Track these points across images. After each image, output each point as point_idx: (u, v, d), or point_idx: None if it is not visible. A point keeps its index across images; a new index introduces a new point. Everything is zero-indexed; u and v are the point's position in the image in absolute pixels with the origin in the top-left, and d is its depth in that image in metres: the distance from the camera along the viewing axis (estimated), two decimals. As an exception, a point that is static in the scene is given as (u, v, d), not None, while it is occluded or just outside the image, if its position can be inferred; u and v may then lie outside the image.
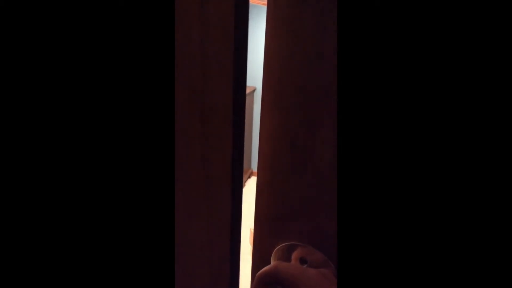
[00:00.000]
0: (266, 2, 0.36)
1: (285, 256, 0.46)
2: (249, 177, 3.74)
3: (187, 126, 0.40)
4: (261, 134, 0.41)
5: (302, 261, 0.45)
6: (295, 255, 0.45)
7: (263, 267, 0.38)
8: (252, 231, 0.48)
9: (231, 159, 0.41)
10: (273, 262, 0.43)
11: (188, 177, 0.45)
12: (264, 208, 0.46)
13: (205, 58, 0.35)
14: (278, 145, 0.40)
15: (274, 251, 0.47)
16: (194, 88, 0.38)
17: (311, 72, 0.35)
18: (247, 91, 3.16)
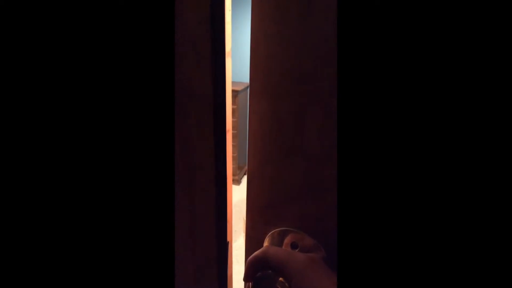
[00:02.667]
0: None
1: (277, 242, 0.47)
2: (245, 173, 3.74)
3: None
4: (250, 122, 0.42)
5: (293, 246, 0.46)
6: (286, 240, 0.46)
7: (255, 252, 0.39)
8: (245, 219, 0.49)
9: (213, 146, 0.42)
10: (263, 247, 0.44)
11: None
12: (255, 196, 0.47)
13: (183, 50, 0.36)
14: (267, 132, 0.41)
15: (267, 237, 0.47)
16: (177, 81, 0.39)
17: (297, 58, 0.36)
18: (242, 87, 3.15)
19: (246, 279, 0.37)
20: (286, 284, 0.39)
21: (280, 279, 0.40)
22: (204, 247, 0.57)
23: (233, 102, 3.08)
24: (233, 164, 3.38)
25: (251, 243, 0.50)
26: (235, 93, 3.06)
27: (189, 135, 0.45)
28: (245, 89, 3.30)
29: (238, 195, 3.33)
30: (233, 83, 3.24)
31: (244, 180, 3.67)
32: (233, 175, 3.45)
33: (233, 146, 3.30)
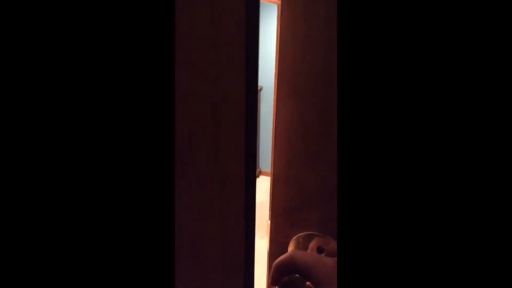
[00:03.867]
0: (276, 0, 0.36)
1: (302, 246, 0.46)
2: (257, 176, 3.75)
3: (198, 125, 0.41)
4: (276, 125, 0.42)
5: (319, 250, 0.46)
6: (312, 244, 0.46)
7: (281, 256, 0.39)
8: (269, 223, 0.48)
9: (244, 157, 0.42)
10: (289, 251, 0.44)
11: (200, 177, 0.45)
12: (280, 199, 0.47)
13: (217, 55, 0.36)
14: (293, 135, 0.41)
15: (291, 241, 0.47)
16: (206, 85, 0.39)
17: (325, 61, 0.35)
18: (254, 90, 3.16)
19: (273, 283, 0.37)
20: None
21: (308, 283, 0.40)
22: (233, 249, 0.57)
23: (246, 105, 3.09)
24: (245, 167, 3.39)
25: (276, 247, 0.50)
26: (247, 96, 3.07)
27: (220, 140, 0.45)
28: (258, 92, 3.32)
29: (251, 198, 3.34)
30: (246, 86, 3.26)
31: (258, 183, 3.67)
32: (246, 178, 3.46)
33: (245, 149, 3.30)
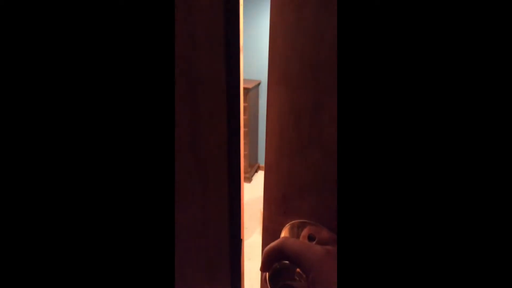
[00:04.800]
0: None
1: (294, 234, 0.47)
2: (256, 171, 3.75)
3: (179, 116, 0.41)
4: (268, 112, 0.42)
5: (310, 238, 0.46)
6: (303, 232, 0.46)
7: (273, 244, 0.39)
8: (262, 211, 0.49)
9: (226, 144, 0.41)
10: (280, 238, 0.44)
11: (180, 164, 0.46)
12: (273, 188, 0.47)
13: (195, 48, 0.36)
14: (285, 123, 0.41)
15: (284, 228, 0.48)
16: (186, 71, 0.39)
17: (316, 47, 0.35)
18: (253, 84, 3.15)
19: (263, 269, 0.38)
20: (304, 276, 0.39)
21: (298, 270, 0.41)
22: (217, 243, 0.57)
23: (244, 100, 3.08)
24: (244, 162, 3.39)
25: (268, 235, 0.50)
26: (246, 90, 3.06)
27: (200, 126, 0.45)
28: (256, 86, 3.30)
29: (249, 193, 3.34)
30: (244, 80, 3.24)
31: (255, 178, 3.68)
32: (245, 172, 3.47)
33: (244, 143, 3.31)
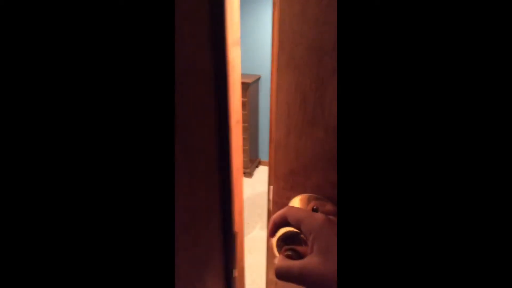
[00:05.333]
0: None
1: (300, 206, 0.51)
2: (257, 166, 3.78)
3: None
4: (276, 94, 0.46)
5: (314, 210, 0.50)
6: (309, 206, 0.51)
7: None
8: (271, 187, 0.52)
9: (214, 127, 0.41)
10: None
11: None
12: (280, 164, 0.51)
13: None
14: (291, 103, 0.46)
15: (290, 202, 0.52)
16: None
17: (319, 33, 0.40)
18: (253, 79, 3.16)
19: (270, 235, 0.41)
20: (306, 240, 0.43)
21: (302, 236, 0.44)
22: (207, 236, 0.59)
23: (244, 95, 3.08)
24: (244, 157, 3.41)
25: (276, 208, 0.54)
26: (245, 85, 3.06)
27: (188, 115, 0.48)
28: (256, 81, 3.30)
29: (250, 189, 3.34)
30: (243, 75, 3.23)
31: (256, 173, 3.70)
32: (245, 168, 3.48)
33: (244, 139, 3.32)
